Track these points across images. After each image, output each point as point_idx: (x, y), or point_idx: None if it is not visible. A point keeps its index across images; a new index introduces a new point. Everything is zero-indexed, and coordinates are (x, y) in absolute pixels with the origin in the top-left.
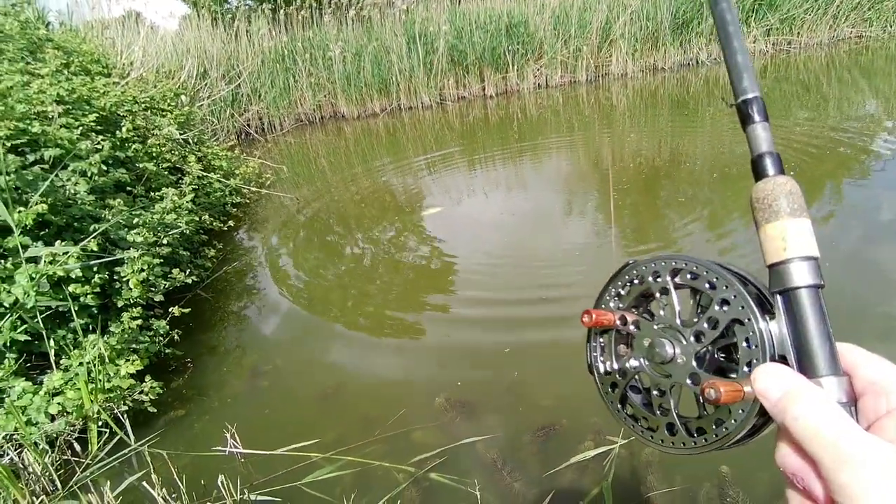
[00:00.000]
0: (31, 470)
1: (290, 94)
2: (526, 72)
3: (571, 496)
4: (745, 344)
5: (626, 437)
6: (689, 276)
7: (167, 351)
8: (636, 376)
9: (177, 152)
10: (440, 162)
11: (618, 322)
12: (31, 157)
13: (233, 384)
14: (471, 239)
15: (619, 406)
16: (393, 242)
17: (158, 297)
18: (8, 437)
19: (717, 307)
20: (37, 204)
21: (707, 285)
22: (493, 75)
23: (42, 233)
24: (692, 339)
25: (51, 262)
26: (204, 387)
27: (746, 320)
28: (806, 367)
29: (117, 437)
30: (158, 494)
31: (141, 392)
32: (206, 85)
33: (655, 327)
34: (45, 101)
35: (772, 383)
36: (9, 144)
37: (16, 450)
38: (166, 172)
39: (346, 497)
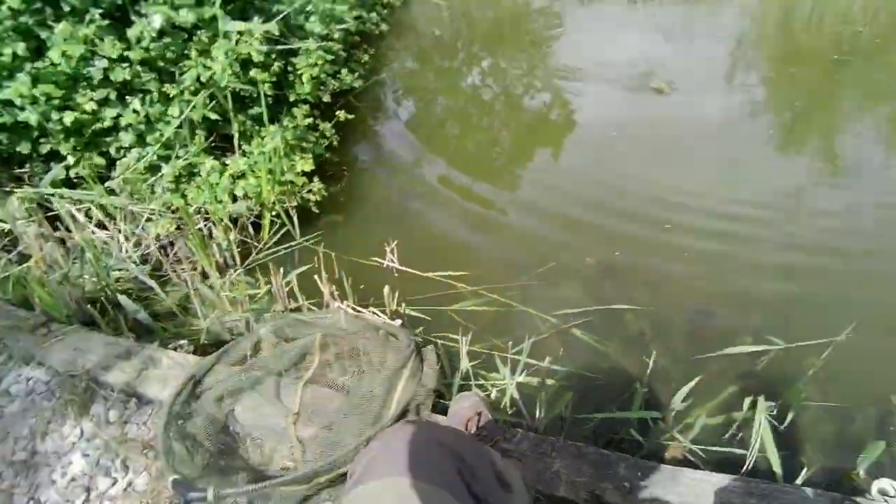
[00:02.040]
0: (216, 244)
1: None
2: None
3: (716, 388)
4: None
5: (789, 341)
6: None
7: (327, 155)
8: None
9: None
10: None
11: None
12: None
13: (386, 198)
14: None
15: None
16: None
17: (326, 98)
18: (197, 210)
19: None
20: None
21: None
22: None
23: (229, 7)
24: None
25: (242, 41)
26: (359, 196)
27: None
28: None
29: (284, 230)
30: (327, 290)
31: (309, 191)
32: None
33: None
34: None
35: None
36: None
37: (205, 222)
38: None
39: (488, 330)
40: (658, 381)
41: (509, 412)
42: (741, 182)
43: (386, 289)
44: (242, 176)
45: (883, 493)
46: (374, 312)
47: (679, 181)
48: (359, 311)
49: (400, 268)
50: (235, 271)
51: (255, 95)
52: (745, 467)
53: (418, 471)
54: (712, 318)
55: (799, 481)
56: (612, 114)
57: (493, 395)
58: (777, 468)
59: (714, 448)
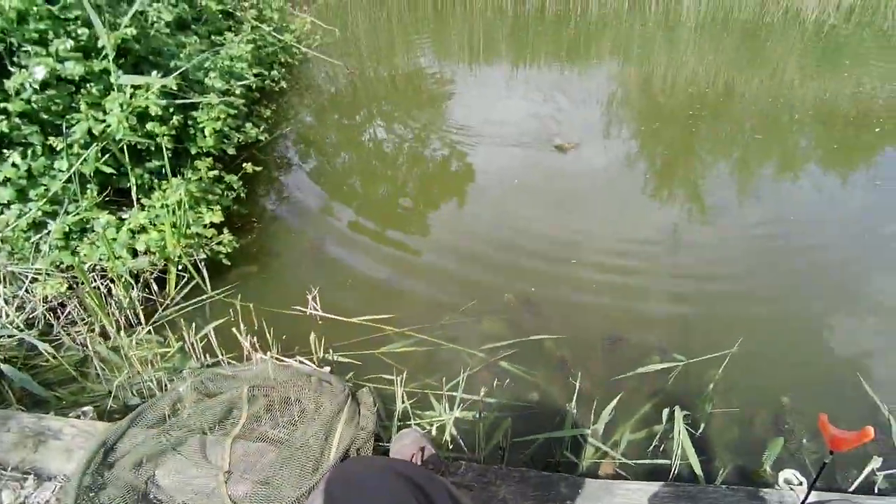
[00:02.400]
0: (117, 300)
1: None
2: None
3: (634, 403)
4: None
5: (690, 356)
6: None
7: (235, 207)
8: None
9: None
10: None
11: None
12: None
13: (303, 250)
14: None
15: None
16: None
17: (231, 151)
18: (92, 267)
19: None
20: (126, 27)
21: None
22: None
23: (121, 61)
24: None
25: (139, 95)
26: (274, 248)
27: None
28: None
29: (193, 283)
30: (247, 342)
31: (219, 243)
32: None
33: None
34: None
35: None
36: None
37: (101, 280)
38: (220, 16)
39: (420, 370)
40: (583, 404)
41: (450, 447)
42: (629, 222)
43: (312, 336)
44: (143, 230)
45: (788, 482)
46: (301, 361)
47: (578, 223)
48: (284, 361)
49: (324, 315)
50: (143, 329)
51: (154, 148)
52: (671, 474)
53: (380, 499)
54: (623, 342)
55: (718, 481)
56: (511, 165)
57: (433, 432)
58: (699, 471)
59: (641, 461)
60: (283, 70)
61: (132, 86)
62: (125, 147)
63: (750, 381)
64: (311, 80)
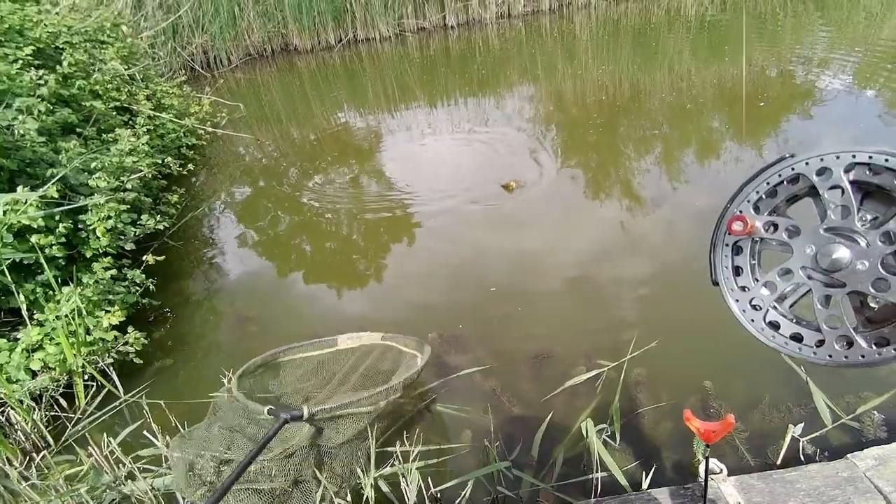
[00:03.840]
0: (18, 428)
1: (236, 25)
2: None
3: (568, 417)
4: None
5: (613, 360)
6: (868, 171)
7: (144, 301)
8: (788, 288)
9: (124, 90)
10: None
11: (763, 229)
12: None
13: (218, 331)
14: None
15: (762, 324)
16: (369, 190)
17: (129, 246)
18: None
19: None
20: None
21: None
22: (454, 3)
23: None
24: (878, 241)
25: (11, 210)
26: (188, 335)
27: None
28: None
29: (105, 391)
30: (161, 442)
31: (125, 343)
32: (142, 16)
33: (822, 231)
34: None
35: None
36: None
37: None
38: (114, 113)
39: None
40: (517, 430)
41: None
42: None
43: None
44: (40, 347)
45: (711, 472)
46: None
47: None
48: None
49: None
50: (50, 454)
51: (44, 260)
52: (596, 489)
53: None
54: (548, 357)
55: (646, 483)
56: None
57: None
58: (622, 480)
59: (578, 478)
60: (192, 152)
61: (5, 203)
62: (6, 267)
63: (673, 373)
64: (222, 157)
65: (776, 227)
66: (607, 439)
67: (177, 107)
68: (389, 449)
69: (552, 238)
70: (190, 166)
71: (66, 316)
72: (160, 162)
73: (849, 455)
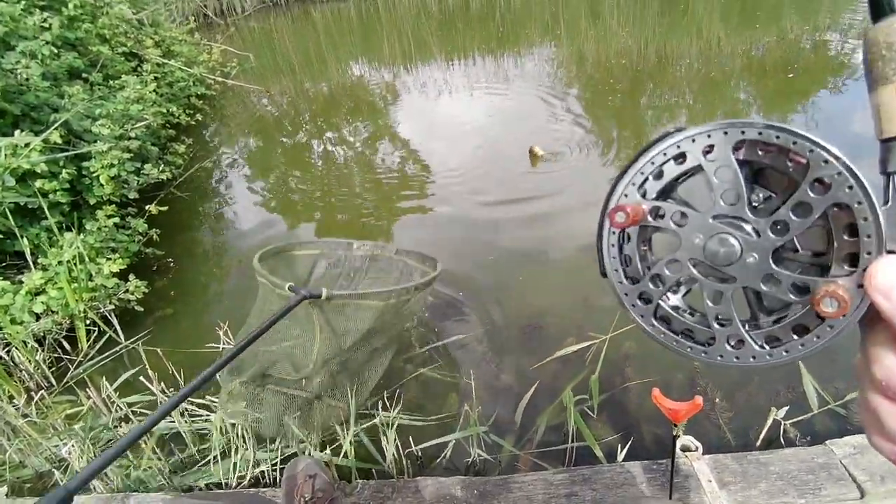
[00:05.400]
0: (22, 367)
1: None
2: None
3: (555, 386)
4: (846, 235)
5: (604, 333)
6: (759, 151)
7: (147, 251)
8: (676, 282)
9: (131, 35)
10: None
11: (649, 215)
12: None
13: (220, 282)
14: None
15: (652, 320)
16: (370, 142)
17: (132, 195)
18: None
19: (808, 189)
20: None
21: (790, 162)
22: None
23: None
24: (768, 231)
25: (12, 154)
26: (190, 285)
27: (856, 204)
28: None
29: (106, 336)
30: (157, 388)
31: (126, 291)
32: None
33: (710, 220)
34: None
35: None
36: None
37: (4, 348)
38: (122, 59)
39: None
40: (506, 397)
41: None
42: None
43: (221, 374)
44: (43, 291)
45: (685, 448)
46: (211, 399)
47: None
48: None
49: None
50: (51, 393)
51: (49, 206)
52: (569, 458)
53: None
54: (541, 329)
55: (621, 457)
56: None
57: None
58: (598, 451)
59: (559, 446)
60: (202, 102)
61: (8, 146)
62: (9, 210)
63: (662, 349)
64: (233, 108)
65: (663, 214)
66: (587, 410)
67: (186, 54)
68: (374, 411)
69: (566, 207)
70: (199, 116)
71: (68, 262)
72: (167, 111)
73: (827, 441)
